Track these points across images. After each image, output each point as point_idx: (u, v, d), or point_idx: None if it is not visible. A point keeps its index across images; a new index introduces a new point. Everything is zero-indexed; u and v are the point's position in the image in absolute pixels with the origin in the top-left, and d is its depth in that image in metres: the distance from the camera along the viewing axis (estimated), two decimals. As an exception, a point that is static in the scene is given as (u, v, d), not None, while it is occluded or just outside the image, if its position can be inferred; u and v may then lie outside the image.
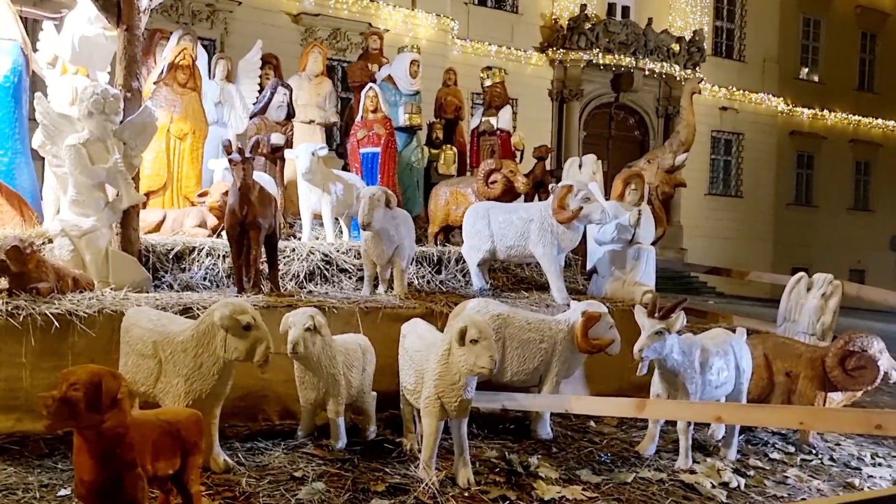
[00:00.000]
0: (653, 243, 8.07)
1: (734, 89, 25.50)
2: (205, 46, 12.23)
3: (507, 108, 9.71)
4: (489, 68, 11.30)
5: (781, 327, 7.65)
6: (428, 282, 6.49)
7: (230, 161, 5.05)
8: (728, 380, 5.03)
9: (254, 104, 8.05)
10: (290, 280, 5.87)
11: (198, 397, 3.76)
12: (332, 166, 8.16)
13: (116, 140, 5.12)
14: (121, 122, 5.20)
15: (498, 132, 9.64)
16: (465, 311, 5.04)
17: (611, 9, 24.03)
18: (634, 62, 22.94)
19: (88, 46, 6.42)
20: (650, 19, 23.27)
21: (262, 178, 7.17)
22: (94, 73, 7.44)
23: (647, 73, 23.01)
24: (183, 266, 5.62)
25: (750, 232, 26.08)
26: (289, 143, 7.85)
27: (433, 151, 9.59)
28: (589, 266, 6.95)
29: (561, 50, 22.53)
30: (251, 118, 7.82)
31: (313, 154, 6.62)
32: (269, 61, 9.61)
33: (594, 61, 22.38)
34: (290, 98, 7.77)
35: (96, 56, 6.56)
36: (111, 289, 4.91)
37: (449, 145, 9.63)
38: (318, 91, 8.98)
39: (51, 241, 5.14)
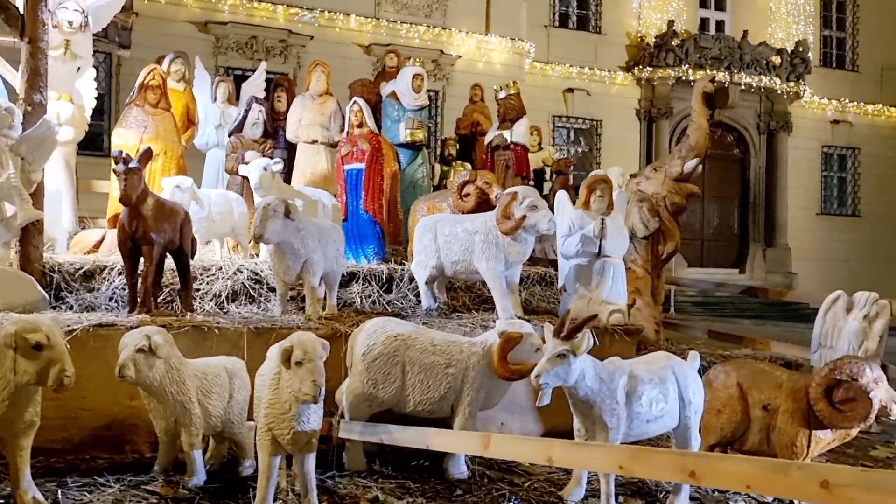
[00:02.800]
0: (665, 259, 7.23)
1: (846, 101, 23.46)
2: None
3: (522, 121, 9.04)
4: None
5: (816, 354, 6.64)
6: (374, 302, 5.94)
7: (114, 171, 4.76)
8: (666, 412, 4.17)
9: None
10: (211, 300, 5.49)
11: (-12, 426, 3.40)
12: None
13: (13, 155, 4.95)
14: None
15: (512, 146, 8.98)
16: (359, 332, 4.48)
17: (703, 24, 22.80)
18: (729, 77, 21.54)
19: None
20: (745, 31, 21.87)
21: (228, 196, 6.98)
22: (79, 97, 7.48)
23: (743, 87, 21.51)
24: (92, 286, 5.38)
25: (872, 254, 23.66)
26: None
27: (445, 168, 9.07)
28: (560, 283, 6.18)
29: (648, 68, 21.54)
30: (229, 136, 7.64)
31: (265, 169, 6.27)
32: (281, 84, 9.47)
33: (684, 78, 21.20)
34: (267, 115, 7.53)
35: (55, 78, 6.48)
36: (-1, 310, 4.70)
37: (460, 162, 9.08)
38: (322, 111, 8.69)
39: (-55, 261, 5.03)
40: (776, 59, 22.07)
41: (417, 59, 9.09)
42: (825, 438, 4.48)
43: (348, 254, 7.22)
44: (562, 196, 5.96)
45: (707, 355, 6.66)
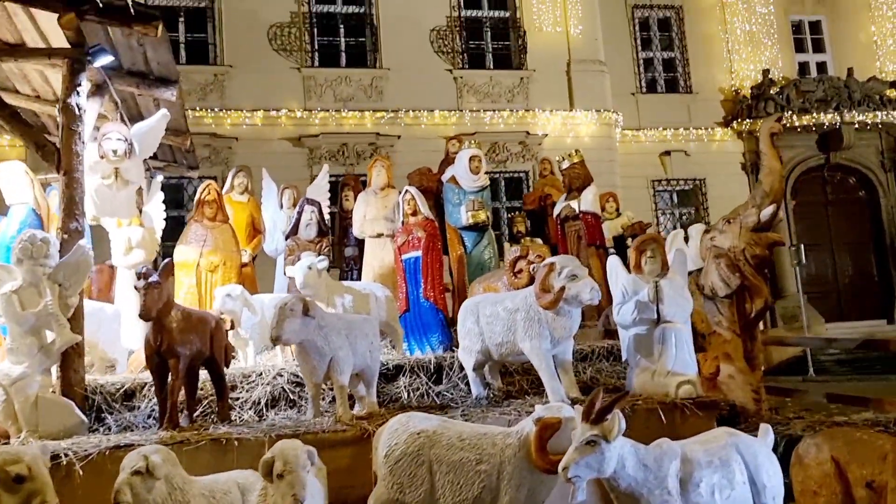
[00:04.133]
0: (755, 318, 6.46)
1: None
2: (364, 183, 12.46)
3: (589, 189, 8.61)
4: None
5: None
6: (422, 395, 5.55)
7: (135, 288, 4.72)
8: (734, 500, 3.50)
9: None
10: (250, 408, 5.28)
11: (-24, 568, 3.24)
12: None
13: (51, 283, 5.03)
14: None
15: (581, 215, 8.53)
16: (382, 432, 4.11)
17: (802, 68, 21.72)
18: (839, 117, 20.27)
19: (100, 198, 6.61)
20: (850, 69, 20.64)
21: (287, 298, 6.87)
22: (149, 221, 7.76)
23: (857, 126, 20.18)
24: (133, 405, 5.29)
25: None
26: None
27: (514, 246, 8.71)
28: (624, 356, 5.56)
29: (748, 120, 20.60)
30: (286, 239, 7.65)
31: (309, 268, 6.15)
32: (347, 183, 9.57)
33: (788, 125, 20.04)
34: (321, 215, 7.51)
35: (114, 205, 6.74)
36: (37, 438, 4.67)
37: (530, 238, 8.70)
38: (385, 203, 8.64)
39: (-10, 392, 5.08)
40: (891, 93, 20.62)
41: (473, 142, 8.85)
42: (951, 521, 3.64)
43: (413, 345, 6.93)
44: (613, 262, 5.45)
45: (816, 424, 5.79)
